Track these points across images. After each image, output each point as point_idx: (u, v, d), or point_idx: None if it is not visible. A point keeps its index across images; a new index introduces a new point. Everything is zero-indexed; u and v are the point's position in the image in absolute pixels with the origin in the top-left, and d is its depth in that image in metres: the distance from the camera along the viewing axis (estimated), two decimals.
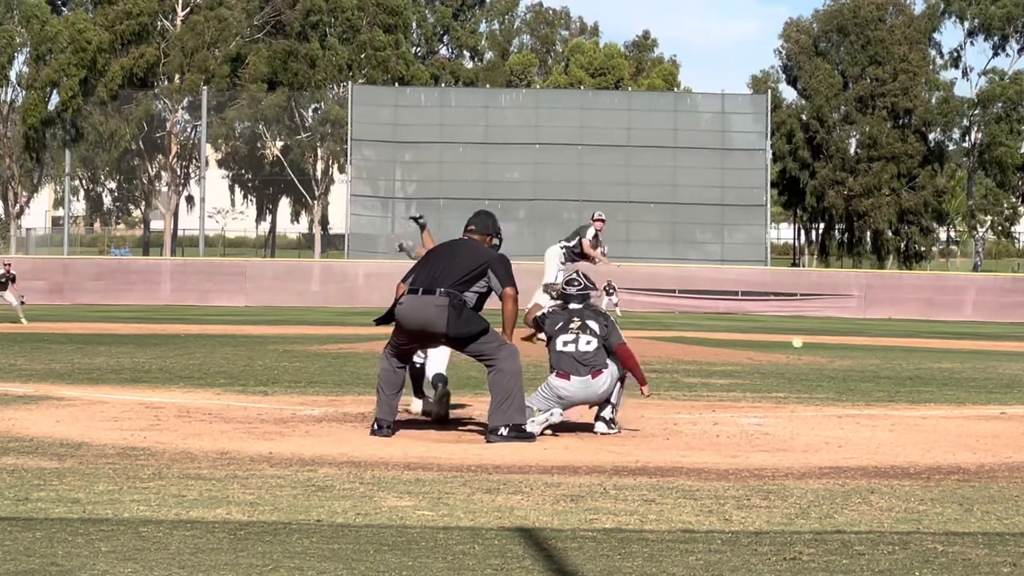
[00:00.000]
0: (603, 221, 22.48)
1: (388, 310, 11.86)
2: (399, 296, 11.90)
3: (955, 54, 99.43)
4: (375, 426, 11.75)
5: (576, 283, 12.89)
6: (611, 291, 59.40)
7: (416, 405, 13.13)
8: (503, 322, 11.82)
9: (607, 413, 12.22)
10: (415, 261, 12.45)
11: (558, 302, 13.18)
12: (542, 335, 12.86)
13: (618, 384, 12.27)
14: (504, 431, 11.33)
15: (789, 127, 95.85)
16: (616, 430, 12.19)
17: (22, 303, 40.42)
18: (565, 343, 12.24)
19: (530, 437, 11.44)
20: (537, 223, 73.73)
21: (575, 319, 12.43)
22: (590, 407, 12.44)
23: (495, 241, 12.34)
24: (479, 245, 12.11)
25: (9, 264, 43.85)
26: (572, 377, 12.08)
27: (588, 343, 12.23)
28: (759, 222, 75.56)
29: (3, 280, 40.47)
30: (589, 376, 12.10)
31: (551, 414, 11.94)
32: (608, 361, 12.23)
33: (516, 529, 7.44)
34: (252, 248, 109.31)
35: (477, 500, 8.42)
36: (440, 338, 11.69)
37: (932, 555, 6.95)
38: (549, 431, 11.89)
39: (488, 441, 11.33)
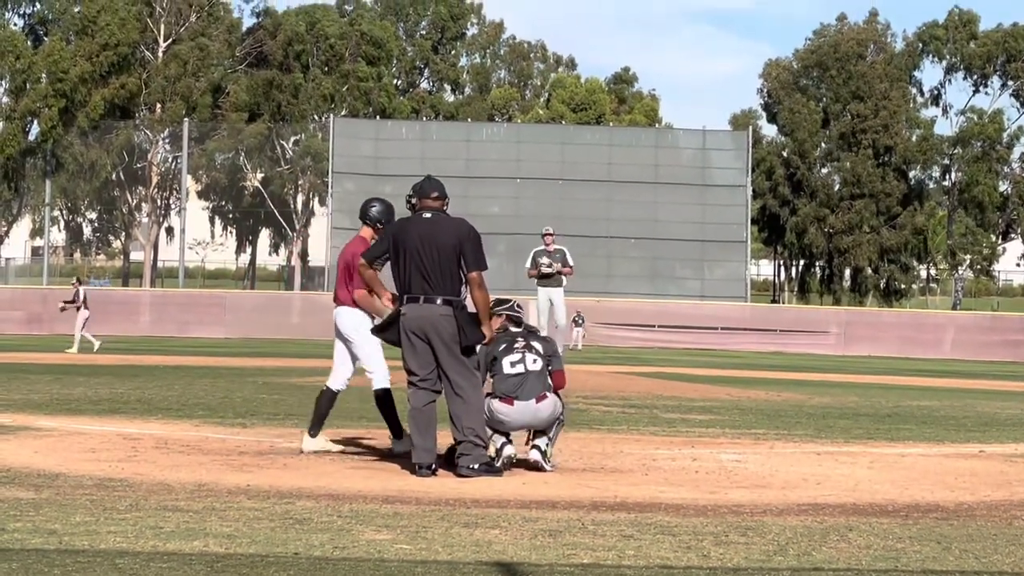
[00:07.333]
0: (551, 235, 25.08)
1: (389, 320, 11.51)
2: (377, 291, 11.62)
3: (935, 92, 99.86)
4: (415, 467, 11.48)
5: (505, 303, 12.45)
6: (580, 321, 59.32)
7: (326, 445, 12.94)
8: (477, 308, 11.45)
9: (543, 443, 11.89)
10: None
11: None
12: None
13: (558, 421, 12.05)
14: (475, 466, 11.29)
15: (769, 164, 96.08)
16: (551, 467, 11.89)
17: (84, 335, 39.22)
18: (513, 363, 11.80)
19: (498, 472, 11.40)
20: (517, 257, 73.44)
21: (519, 339, 12.05)
22: (528, 437, 12.14)
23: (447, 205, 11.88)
24: (447, 221, 11.73)
25: (78, 282, 42.38)
26: (516, 402, 11.67)
27: (535, 362, 11.85)
28: (739, 258, 75.61)
29: (73, 301, 39.35)
30: (533, 401, 11.73)
31: (505, 453, 11.75)
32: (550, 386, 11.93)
33: (494, 563, 7.43)
34: (232, 280, 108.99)
35: (455, 534, 8.40)
36: (448, 346, 11.29)
37: None
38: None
39: (459, 475, 11.27)
